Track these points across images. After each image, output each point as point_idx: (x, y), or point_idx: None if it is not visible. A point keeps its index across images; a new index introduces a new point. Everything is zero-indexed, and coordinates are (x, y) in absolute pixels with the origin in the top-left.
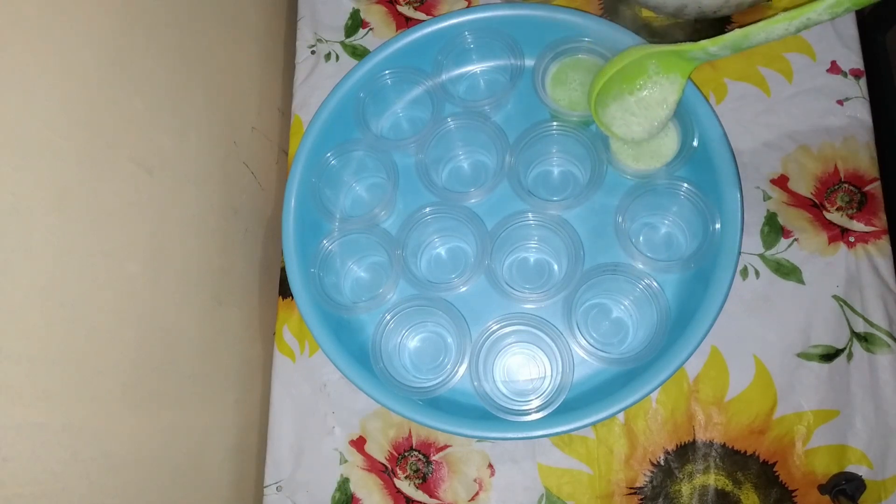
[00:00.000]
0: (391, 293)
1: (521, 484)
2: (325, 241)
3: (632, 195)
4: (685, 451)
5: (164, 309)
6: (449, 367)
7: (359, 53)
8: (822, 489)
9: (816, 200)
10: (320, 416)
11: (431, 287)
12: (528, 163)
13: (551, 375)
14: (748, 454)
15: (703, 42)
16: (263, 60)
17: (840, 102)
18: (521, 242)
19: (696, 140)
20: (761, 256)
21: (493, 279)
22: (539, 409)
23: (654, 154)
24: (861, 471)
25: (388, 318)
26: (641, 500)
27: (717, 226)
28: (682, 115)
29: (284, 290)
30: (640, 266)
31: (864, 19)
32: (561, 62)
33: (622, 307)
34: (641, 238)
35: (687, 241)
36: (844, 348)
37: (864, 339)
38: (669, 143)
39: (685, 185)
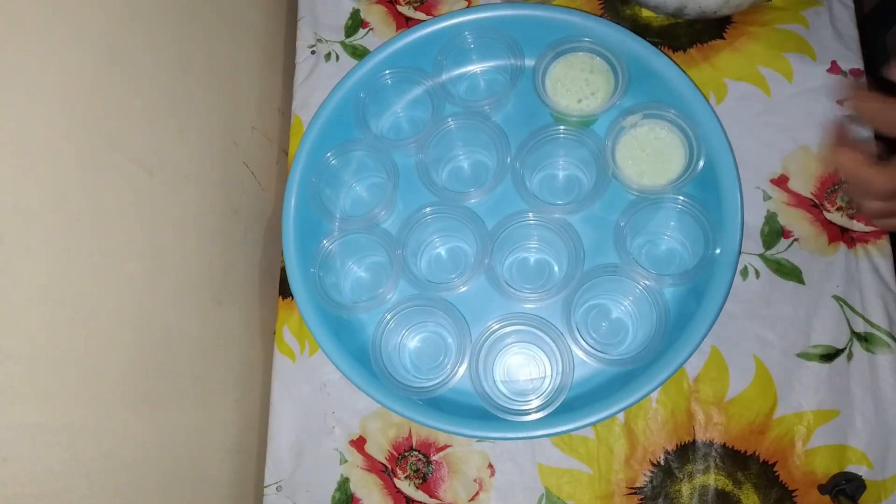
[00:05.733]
0: (391, 293)
1: (521, 484)
2: (325, 241)
3: (634, 208)
4: (685, 451)
5: (164, 309)
6: (449, 367)
7: (359, 53)
8: (823, 489)
9: (816, 200)
10: (320, 416)
11: (431, 287)
12: (533, 166)
13: (551, 375)
14: (748, 454)
15: None
16: (263, 60)
17: (840, 102)
18: (522, 242)
19: (702, 161)
20: (761, 256)
21: (494, 279)
22: (539, 409)
23: (660, 171)
24: (861, 471)
25: (388, 318)
26: (641, 500)
27: (718, 251)
28: (689, 133)
29: (284, 290)
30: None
31: (865, 19)
32: (560, 62)
33: (622, 308)
34: (643, 253)
35: (688, 253)
36: (844, 348)
37: (864, 339)
38: (675, 161)
39: (685, 196)
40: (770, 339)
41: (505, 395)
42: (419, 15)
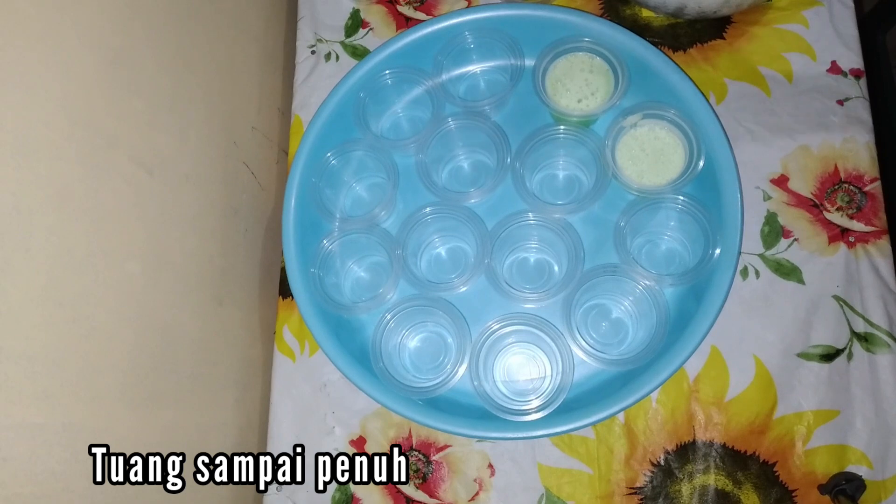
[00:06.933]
0: (391, 293)
1: (521, 484)
2: (325, 241)
3: (634, 208)
4: (685, 451)
5: (164, 309)
6: (449, 367)
7: (359, 53)
8: (823, 489)
9: (816, 200)
10: (320, 416)
11: (431, 287)
12: (533, 166)
13: (551, 375)
14: (748, 454)
15: None
16: (263, 60)
17: (840, 102)
18: (522, 242)
19: (702, 161)
20: (761, 256)
21: (494, 279)
22: (539, 409)
23: (660, 171)
24: (861, 471)
25: (388, 317)
26: (641, 500)
27: (717, 251)
28: (689, 133)
29: (284, 290)
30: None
31: (865, 19)
32: (560, 62)
33: (622, 308)
34: (643, 253)
35: (688, 253)
36: (844, 348)
37: (864, 339)
38: (676, 161)
39: (685, 196)
40: (770, 339)
41: (505, 395)
42: (419, 15)
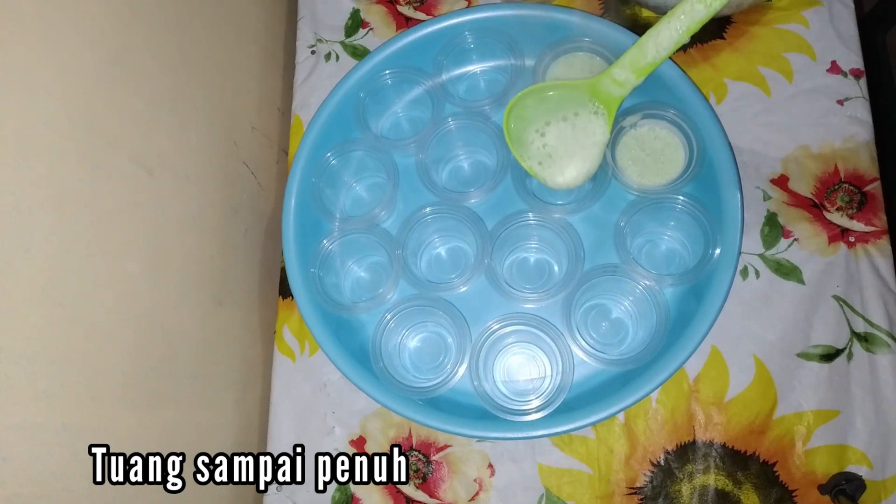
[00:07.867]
0: (391, 293)
1: (521, 484)
2: (325, 241)
3: (634, 208)
4: (685, 451)
5: (164, 309)
6: (449, 367)
7: (359, 53)
8: (823, 489)
9: (816, 200)
10: (320, 416)
11: (431, 287)
12: None
13: (551, 375)
14: (748, 454)
15: (608, 69)
16: (263, 60)
17: (840, 102)
18: (522, 242)
19: (702, 161)
20: (761, 256)
21: (494, 279)
22: (539, 408)
23: (660, 171)
24: (861, 471)
25: (388, 317)
26: (641, 500)
27: (717, 251)
28: (689, 133)
29: (284, 290)
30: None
31: (865, 19)
32: (560, 62)
33: (622, 308)
34: (643, 253)
35: (688, 253)
36: (844, 348)
37: (864, 339)
38: (676, 161)
39: (685, 196)
40: (770, 339)
41: (505, 395)
42: (419, 15)
